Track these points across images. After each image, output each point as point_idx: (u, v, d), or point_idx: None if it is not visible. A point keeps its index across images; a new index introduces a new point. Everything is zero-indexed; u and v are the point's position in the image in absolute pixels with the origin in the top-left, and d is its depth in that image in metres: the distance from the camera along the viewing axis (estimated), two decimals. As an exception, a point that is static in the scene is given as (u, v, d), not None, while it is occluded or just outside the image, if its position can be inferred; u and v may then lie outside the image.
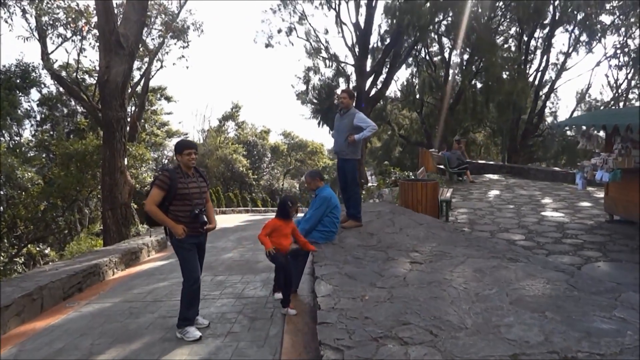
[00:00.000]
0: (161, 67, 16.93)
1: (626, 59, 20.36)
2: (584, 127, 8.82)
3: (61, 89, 16.46)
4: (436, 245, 5.25)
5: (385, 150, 34.77)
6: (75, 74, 15.54)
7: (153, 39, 14.97)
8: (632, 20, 18.46)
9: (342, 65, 22.30)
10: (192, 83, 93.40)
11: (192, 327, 4.18)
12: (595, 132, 8.91)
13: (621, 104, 21.66)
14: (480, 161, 20.46)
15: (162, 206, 4.06)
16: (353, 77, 21.27)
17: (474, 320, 3.22)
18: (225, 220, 16.61)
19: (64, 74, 15.78)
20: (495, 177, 18.16)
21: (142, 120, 18.07)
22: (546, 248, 7.21)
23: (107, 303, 5.55)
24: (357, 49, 20.55)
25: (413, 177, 13.83)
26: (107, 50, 10.35)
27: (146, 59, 15.40)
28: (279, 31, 23.05)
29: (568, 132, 23.10)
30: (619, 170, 7.69)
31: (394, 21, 20.40)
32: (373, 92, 20.75)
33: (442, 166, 16.13)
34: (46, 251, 14.20)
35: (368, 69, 20.34)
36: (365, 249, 5.16)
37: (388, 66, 21.28)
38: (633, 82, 21.38)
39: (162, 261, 8.29)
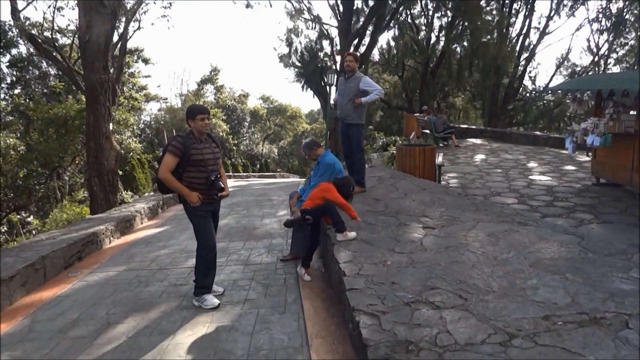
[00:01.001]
0: (139, 27, 16.15)
1: (608, 23, 20.56)
2: (577, 93, 8.92)
3: (32, 49, 15.56)
4: (444, 210, 5.31)
5: (366, 115, 34.63)
6: (50, 33, 14.67)
7: (131, -5, 14.18)
8: None
9: (326, 27, 21.78)
10: (169, 45, 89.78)
11: (209, 294, 4.16)
12: (586, 97, 9.04)
13: (601, 69, 22.01)
14: (462, 125, 20.61)
15: (175, 173, 3.93)
16: (337, 40, 20.85)
17: (499, 283, 3.30)
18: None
19: (34, 32, 14.87)
20: (478, 141, 18.37)
21: (121, 84, 17.36)
22: (539, 211, 7.41)
23: (111, 272, 5.46)
24: (340, 10, 20.04)
25: (407, 141, 13.91)
26: (87, 9, 9.75)
27: (123, 19, 14.60)
28: (260, -10, 22.21)
29: (548, 97, 23.48)
30: (610, 135, 7.85)
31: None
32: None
33: (427, 130, 16.20)
34: (28, 219, 13.79)
35: (352, 31, 19.92)
36: (375, 215, 5.18)
37: (372, 28, 20.88)
38: (614, 46, 21.65)
39: (157, 228, 8.17)
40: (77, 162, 15.70)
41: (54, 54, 14.30)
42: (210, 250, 4.13)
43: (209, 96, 36.45)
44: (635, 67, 21.34)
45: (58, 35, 17.02)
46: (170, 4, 14.80)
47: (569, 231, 4.45)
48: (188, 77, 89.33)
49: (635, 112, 7.92)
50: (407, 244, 4.20)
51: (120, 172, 13.04)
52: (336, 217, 4.44)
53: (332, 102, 6.50)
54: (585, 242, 4.12)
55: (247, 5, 22.15)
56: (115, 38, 13.61)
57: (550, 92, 14.43)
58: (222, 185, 4.10)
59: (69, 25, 17.34)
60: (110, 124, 11.11)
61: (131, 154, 15.23)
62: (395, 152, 12.70)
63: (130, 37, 15.38)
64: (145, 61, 23.89)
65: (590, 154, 12.98)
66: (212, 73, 36.60)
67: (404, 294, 3.17)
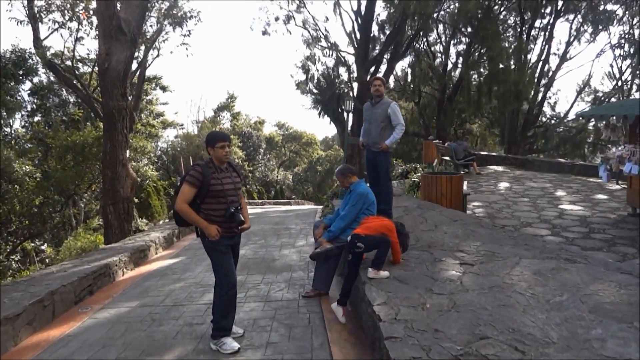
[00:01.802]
0: (158, 55, 16.34)
1: (632, 49, 20.17)
2: (612, 118, 8.54)
3: (53, 77, 15.78)
4: (480, 244, 4.92)
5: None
6: (71, 62, 14.87)
7: (151, 25, 14.37)
8: (636, 8, 18.24)
9: (343, 54, 21.83)
10: (187, 72, 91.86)
11: (228, 337, 3.80)
12: (620, 122, 8.64)
13: (624, 95, 21.51)
14: (482, 152, 20.19)
15: (193, 204, 3.67)
16: (354, 67, 20.83)
17: (558, 333, 2.89)
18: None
19: (56, 61, 15.07)
20: (499, 168, 17.92)
21: (138, 111, 17.48)
22: (576, 244, 6.95)
23: (123, 308, 5.15)
24: (357, 37, 20.08)
25: (430, 169, 13.57)
26: (107, 37, 9.79)
27: (143, 47, 14.77)
28: (277, 19, 22.44)
29: (569, 124, 23.01)
30: (649, 163, 7.41)
31: (395, 9, 19.98)
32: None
33: (447, 158, 15.84)
34: (42, 247, 13.65)
35: (369, 58, 19.91)
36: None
37: (388, 56, 20.87)
38: (638, 72, 21.21)
39: (172, 259, 7.88)
40: (93, 189, 15.64)
41: (74, 82, 14.45)
42: (231, 288, 3.81)
43: (225, 123, 36.73)
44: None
45: (79, 64, 17.31)
46: (190, 31, 14.96)
47: (624, 270, 4.02)
48: (205, 104, 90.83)
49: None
50: (445, 283, 3.82)
51: (136, 200, 12.88)
52: (383, 256, 4.15)
53: (362, 135, 6.26)
54: (646, 282, 3.69)
55: (264, 33, 22.42)
56: (134, 66, 13.73)
57: (581, 117, 14.04)
58: (243, 218, 3.79)
59: (89, 54, 17.60)
60: (127, 151, 11.02)
61: (147, 181, 15.14)
62: (417, 179, 12.35)
63: (149, 64, 15.53)
64: (163, 88, 24.18)
65: (620, 182, 12.47)
66: (229, 100, 36.97)
67: (450, 345, 2.78)
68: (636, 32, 19.80)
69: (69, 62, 15.49)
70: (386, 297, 3.56)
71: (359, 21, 19.37)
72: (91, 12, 13.19)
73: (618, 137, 9.03)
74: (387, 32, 20.99)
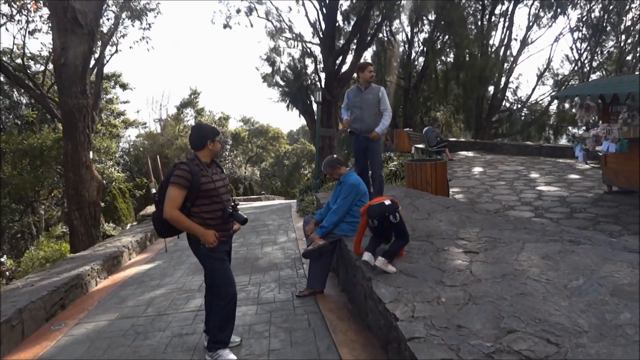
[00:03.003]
0: (116, 51, 15.49)
1: (589, 32, 20.77)
2: (577, 99, 8.61)
3: (2, 77, 14.69)
4: (479, 230, 4.77)
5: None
6: (21, 60, 13.85)
7: (108, 19, 13.54)
8: None
9: (309, 45, 21.45)
10: (148, 69, 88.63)
11: (225, 349, 3.46)
12: (593, 102, 8.73)
13: (585, 77, 22.19)
14: (452, 139, 20.40)
15: (182, 208, 3.27)
16: (320, 58, 20.50)
17: (586, 320, 2.73)
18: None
19: (5, 59, 14.03)
20: (470, 154, 18.10)
21: (98, 110, 16.56)
22: (562, 224, 6.96)
23: (101, 321, 4.72)
24: (322, 28, 19.75)
25: (411, 157, 13.52)
26: (61, 30, 9.05)
27: (100, 43, 13.93)
28: (238, 11, 21.72)
29: (534, 107, 23.59)
30: (626, 140, 7.51)
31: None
32: (341, 72, 20.12)
33: (419, 145, 15.84)
34: (1, 259, 12.74)
35: (336, 48, 19.64)
36: (404, 240, 4.58)
37: (355, 46, 20.65)
38: (595, 55, 21.90)
39: (148, 264, 7.42)
40: (54, 194, 14.73)
41: (26, 81, 13.48)
42: (231, 299, 3.45)
43: (190, 120, 35.71)
44: (613, 75, 21.60)
45: (30, 62, 16.18)
46: (150, 25, 14.19)
47: (630, 248, 3.94)
48: (167, 101, 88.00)
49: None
50: (454, 273, 3.62)
51: (102, 204, 12.17)
52: (400, 248, 3.97)
53: (345, 116, 5.94)
54: (656, 260, 3.61)
55: (226, 26, 21.75)
56: (91, 63, 12.92)
57: (556, 98, 14.33)
58: (245, 217, 3.42)
59: (41, 50, 16.52)
60: (91, 153, 10.33)
61: (113, 183, 14.37)
62: (393, 168, 12.24)
63: (107, 61, 14.70)
64: (123, 86, 23.12)
65: (589, 162, 12.77)
66: (192, 96, 35.89)
67: (479, 342, 2.57)
68: (594, 14, 20.43)
69: (19, 60, 14.45)
70: (397, 293, 3.32)
71: (324, 11, 19.04)
72: (41, 3, 12.28)
73: (592, 117, 9.16)
74: (352, 21, 20.75)
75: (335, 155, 5.18)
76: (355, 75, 6.04)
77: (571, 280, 3.33)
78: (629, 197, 8.36)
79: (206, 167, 3.39)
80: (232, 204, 3.47)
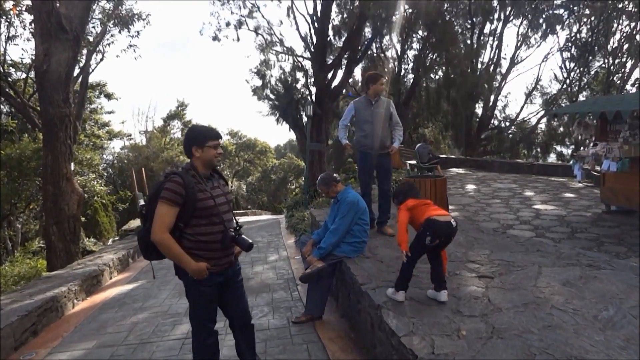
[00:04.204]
0: (102, 59, 15.06)
1: (576, 52, 21.07)
2: (584, 117, 8.50)
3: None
4: (489, 252, 4.48)
5: (337, 148, 34.20)
6: (1, 67, 13.35)
7: (94, 26, 13.15)
8: (586, 11, 19.10)
9: (300, 59, 21.28)
10: (134, 79, 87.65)
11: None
12: (590, 121, 8.63)
13: (580, 97, 22.45)
14: (442, 155, 20.34)
15: (174, 229, 2.71)
16: (311, 72, 20.33)
17: (628, 358, 2.43)
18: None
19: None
20: (461, 170, 18.00)
21: (81, 120, 16.05)
22: (565, 244, 6.74)
23: (77, 350, 4.28)
24: (314, 42, 19.63)
25: (407, 174, 13.31)
26: (45, 35, 8.63)
27: (85, 51, 13.53)
28: (228, 24, 21.57)
29: (523, 125, 23.75)
30: (627, 159, 7.37)
31: (348, 15, 19.76)
32: (332, 87, 19.98)
33: (411, 162, 15.70)
34: (-27, 276, 12.04)
35: (327, 62, 19.51)
36: (411, 263, 4.26)
37: (346, 61, 20.57)
38: (584, 74, 22.19)
39: (130, 284, 6.96)
40: (31, 207, 14.11)
41: (7, 89, 12.97)
42: (207, 336, 2.94)
43: (176, 132, 35.17)
44: (599, 94, 21.86)
45: (11, 70, 15.63)
46: (138, 32, 13.84)
47: (655, 274, 3.68)
48: (153, 112, 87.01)
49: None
50: (471, 301, 3.31)
51: (82, 218, 11.64)
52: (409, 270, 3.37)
53: (344, 139, 5.45)
54: (686, 288, 3.35)
55: (214, 38, 21.52)
56: (76, 71, 12.50)
57: (555, 115, 14.33)
58: (250, 241, 2.85)
59: (22, 57, 16.02)
60: (72, 164, 9.84)
61: (95, 197, 13.82)
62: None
63: (92, 69, 14.27)
64: (108, 96, 22.62)
65: (582, 180, 12.71)
66: (179, 108, 35.41)
67: (514, 387, 2.24)
68: (582, 34, 20.75)
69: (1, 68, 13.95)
70: (411, 325, 2.99)
71: (315, 25, 18.94)
72: (22, 7, 11.83)
73: (589, 135, 9.06)
74: (344, 36, 20.70)
75: (329, 172, 4.86)
76: (364, 86, 5.57)
77: (600, 310, 3.04)
78: (629, 217, 8.20)
79: (204, 180, 2.81)
80: (235, 225, 2.91)
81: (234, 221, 2.93)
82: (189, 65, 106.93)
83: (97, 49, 13.88)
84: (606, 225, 7.78)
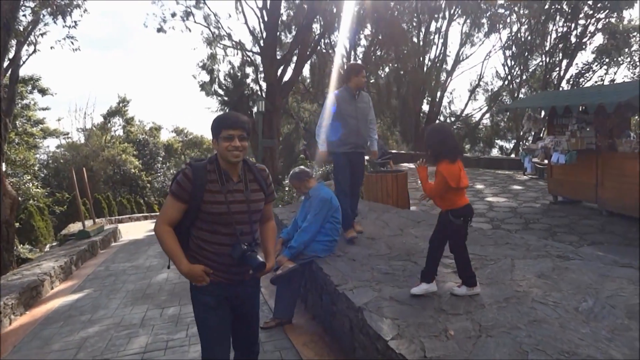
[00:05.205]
0: (35, 51, 13.87)
1: (515, 50, 22.12)
2: (531, 111, 8.79)
3: None
4: (460, 246, 4.44)
5: (287, 144, 33.97)
6: None
7: (24, 15, 12.02)
8: (525, 11, 20.02)
9: (249, 54, 20.77)
10: (70, 73, 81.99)
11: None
12: (539, 115, 8.96)
13: (520, 94, 23.54)
14: (393, 151, 20.68)
15: (181, 226, 2.34)
16: (261, 67, 19.92)
17: (618, 351, 2.42)
18: (129, 231, 14.35)
19: None
20: (412, 165, 18.27)
21: (12, 117, 14.72)
22: (521, 235, 6.92)
23: (18, 373, 3.81)
24: (264, 36, 19.23)
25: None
26: (-32, 23, 7.76)
27: (14, 42, 12.38)
28: (173, 15, 20.64)
29: (468, 120, 24.62)
30: (575, 152, 7.69)
31: (297, 9, 19.59)
32: (283, 82, 19.70)
33: (366, 157, 15.74)
34: None
35: (277, 57, 19.20)
36: (384, 260, 4.15)
37: (296, 56, 20.35)
38: (524, 71, 23.34)
39: (76, 294, 6.40)
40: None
41: None
42: None
43: (118, 130, 33.43)
44: (538, 91, 23.04)
45: None
46: (76, 22, 12.83)
47: (620, 262, 3.77)
48: (93, 109, 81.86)
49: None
50: (452, 298, 3.22)
51: (16, 223, 10.69)
52: (465, 269, 3.27)
53: (322, 146, 4.82)
54: (653, 275, 3.44)
55: (160, 30, 20.58)
56: (5, 63, 11.42)
57: (506, 110, 14.83)
58: (260, 260, 2.28)
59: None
60: (3, 165, 8.95)
61: (30, 200, 12.74)
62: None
63: (23, 62, 13.12)
64: (43, 91, 21.02)
65: (526, 173, 13.27)
66: (121, 104, 33.63)
67: (514, 388, 2.15)
68: (521, 34, 21.80)
69: None
70: (396, 326, 2.85)
71: (265, 19, 18.55)
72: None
73: (538, 129, 9.41)
74: (294, 31, 20.48)
75: (302, 168, 4.65)
76: (344, 78, 4.87)
77: (580, 301, 3.04)
78: (575, 207, 8.61)
79: (225, 178, 2.31)
80: (253, 238, 2.37)
81: (252, 233, 2.39)
82: (131, 59, 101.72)
83: (29, 39, 12.79)
84: (556, 216, 8.11)
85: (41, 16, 12.11)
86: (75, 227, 12.69)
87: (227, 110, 18.67)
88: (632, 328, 2.64)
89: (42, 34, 13.42)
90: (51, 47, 17.79)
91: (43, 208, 15.89)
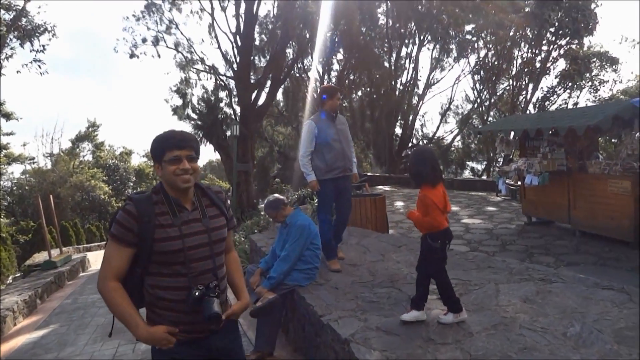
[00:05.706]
0: (-1, 75, 13.44)
1: (483, 75, 22.93)
2: (503, 134, 8.99)
3: None
4: (443, 271, 4.39)
5: (261, 168, 33.78)
6: None
7: (-11, 38, 11.65)
8: (492, 38, 20.87)
9: (223, 77, 20.69)
10: (37, 97, 79.96)
11: None
12: (511, 137, 9.17)
13: (489, 117, 24.27)
14: (368, 173, 20.80)
15: (132, 277, 1.95)
16: (235, 91, 19.88)
17: (611, 378, 2.38)
18: (98, 260, 13.79)
19: None
20: (386, 187, 18.45)
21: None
22: (499, 257, 6.96)
23: (-25, 422, 3.49)
24: (237, 60, 19.26)
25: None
26: None
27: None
28: (144, 40, 20.50)
29: (440, 143, 25.13)
30: (547, 173, 7.86)
31: (276, 32, 19.75)
32: (257, 106, 19.70)
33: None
34: None
35: (251, 82, 19.23)
36: (368, 287, 4.05)
37: (270, 80, 20.44)
38: (492, 95, 24.15)
39: (41, 330, 6.04)
40: None
41: None
42: None
43: (87, 155, 32.56)
44: (506, 114, 23.77)
45: None
46: (44, 46, 12.53)
47: (603, 285, 3.79)
48: (60, 134, 79.60)
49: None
50: (439, 327, 3.15)
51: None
52: (447, 296, 3.23)
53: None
54: (635, 297, 3.46)
55: (132, 55, 20.34)
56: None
57: (479, 133, 15.16)
58: (217, 310, 1.85)
59: None
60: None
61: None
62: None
63: (-13, 86, 12.66)
64: (7, 116, 20.33)
65: (499, 194, 13.52)
66: (90, 129, 32.87)
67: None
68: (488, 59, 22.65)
69: None
70: (385, 359, 2.74)
71: (238, 43, 18.60)
72: None
73: (510, 151, 9.62)
74: (268, 55, 20.61)
75: (276, 196, 4.52)
76: (319, 101, 4.81)
77: (567, 327, 3.02)
78: (549, 227, 8.76)
79: (176, 208, 1.95)
80: (215, 279, 1.97)
81: (213, 271, 1.99)
82: (101, 83, 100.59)
83: (-6, 63, 12.39)
84: (531, 237, 8.22)
85: (8, 40, 11.81)
86: (40, 256, 12.14)
87: (200, 135, 18.45)
88: (621, 354, 2.62)
89: (7, 57, 13.04)
90: (17, 72, 17.36)
91: (6, 237, 15.19)
